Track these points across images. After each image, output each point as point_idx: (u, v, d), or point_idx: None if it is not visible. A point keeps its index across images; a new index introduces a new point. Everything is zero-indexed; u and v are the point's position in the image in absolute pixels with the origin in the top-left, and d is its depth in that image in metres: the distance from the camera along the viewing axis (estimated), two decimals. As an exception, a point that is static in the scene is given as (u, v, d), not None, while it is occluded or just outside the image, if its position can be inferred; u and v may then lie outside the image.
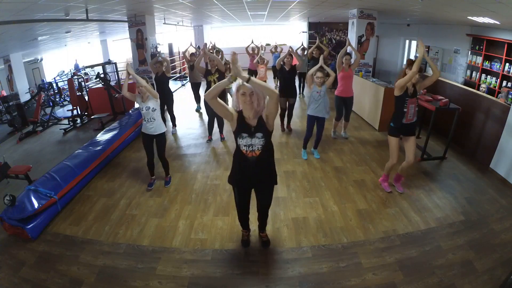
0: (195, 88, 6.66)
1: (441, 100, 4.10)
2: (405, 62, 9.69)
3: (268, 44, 9.66)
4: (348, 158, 4.37)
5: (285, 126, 5.38)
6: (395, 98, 3.17)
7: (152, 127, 3.40)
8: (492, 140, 3.95)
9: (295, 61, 5.21)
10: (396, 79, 3.14)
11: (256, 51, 7.87)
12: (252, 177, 2.22)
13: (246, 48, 8.08)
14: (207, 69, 4.66)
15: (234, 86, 2.00)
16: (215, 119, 4.92)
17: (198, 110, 6.86)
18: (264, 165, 2.18)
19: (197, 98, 6.82)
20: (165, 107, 5.29)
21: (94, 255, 2.65)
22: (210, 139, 5.04)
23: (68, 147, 5.23)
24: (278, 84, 8.42)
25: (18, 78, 8.54)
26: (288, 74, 4.85)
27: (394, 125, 3.23)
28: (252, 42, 8.54)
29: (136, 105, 6.62)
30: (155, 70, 5.10)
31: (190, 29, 12.43)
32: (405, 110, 3.10)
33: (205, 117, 6.45)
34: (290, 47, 5.37)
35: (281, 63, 4.86)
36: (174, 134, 5.50)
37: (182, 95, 8.80)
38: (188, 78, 7.21)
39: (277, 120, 5.19)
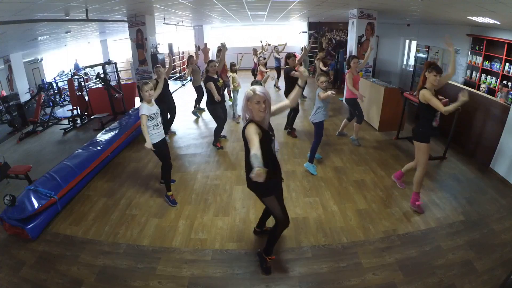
0: (200, 91, 6.56)
1: (441, 100, 4.08)
2: (405, 62, 9.75)
3: (269, 44, 9.68)
4: (348, 158, 4.37)
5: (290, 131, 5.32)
6: (423, 105, 2.93)
7: (162, 129, 3.26)
8: (492, 140, 3.95)
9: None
10: (419, 86, 2.97)
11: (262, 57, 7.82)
12: (279, 171, 2.27)
13: (257, 55, 7.97)
14: (212, 76, 4.53)
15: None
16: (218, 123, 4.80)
17: (196, 114, 6.66)
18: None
19: (199, 101, 6.71)
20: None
21: (94, 255, 2.65)
22: (221, 147, 4.84)
23: (68, 147, 5.23)
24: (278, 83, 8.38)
25: (18, 78, 8.55)
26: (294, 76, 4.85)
27: (424, 130, 3.01)
28: (262, 47, 8.60)
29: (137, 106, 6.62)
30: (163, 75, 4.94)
31: (190, 29, 12.43)
32: (435, 113, 2.93)
33: (206, 118, 6.47)
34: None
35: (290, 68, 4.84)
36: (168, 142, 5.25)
37: (182, 95, 8.80)
38: (190, 81, 7.13)
39: (282, 120, 5.25)
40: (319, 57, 6.87)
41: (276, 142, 2.17)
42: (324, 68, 6.12)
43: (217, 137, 4.89)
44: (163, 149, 3.29)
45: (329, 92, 3.69)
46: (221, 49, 7.22)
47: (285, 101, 2.25)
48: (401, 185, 3.56)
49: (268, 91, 2.02)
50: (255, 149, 1.74)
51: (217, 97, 4.42)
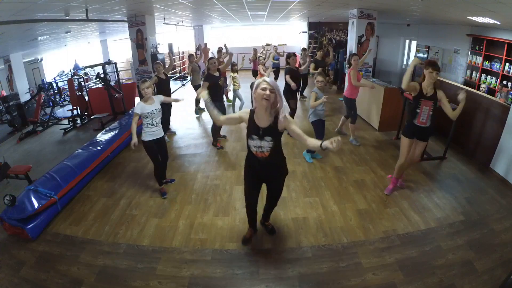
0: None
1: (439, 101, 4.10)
2: (405, 62, 9.75)
3: (268, 44, 9.70)
4: (348, 158, 4.37)
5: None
6: (412, 98, 3.11)
7: (157, 129, 3.30)
8: (492, 140, 3.95)
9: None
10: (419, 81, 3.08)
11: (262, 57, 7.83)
12: (262, 174, 2.31)
13: (257, 57, 7.99)
14: (213, 74, 4.50)
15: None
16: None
17: (197, 113, 6.72)
18: (273, 164, 2.25)
19: (199, 100, 6.75)
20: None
21: (94, 255, 2.65)
22: (221, 147, 4.83)
23: (68, 147, 5.23)
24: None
25: (18, 78, 8.54)
26: (296, 74, 4.82)
27: (407, 124, 3.20)
28: (263, 49, 8.64)
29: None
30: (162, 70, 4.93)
31: (190, 29, 12.43)
32: (418, 110, 3.02)
33: (206, 118, 6.47)
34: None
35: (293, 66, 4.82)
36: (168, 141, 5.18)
37: (182, 95, 8.80)
38: (190, 81, 7.18)
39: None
40: (319, 56, 6.81)
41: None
42: (313, 71, 6.09)
43: (215, 136, 4.89)
44: (153, 149, 3.33)
45: (322, 99, 3.74)
46: (221, 50, 7.25)
47: (308, 139, 2.01)
48: (401, 184, 3.56)
49: (278, 86, 2.03)
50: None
51: (201, 94, 4.44)
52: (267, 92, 1.95)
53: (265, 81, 1.97)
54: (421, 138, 3.18)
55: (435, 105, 3.02)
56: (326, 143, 1.82)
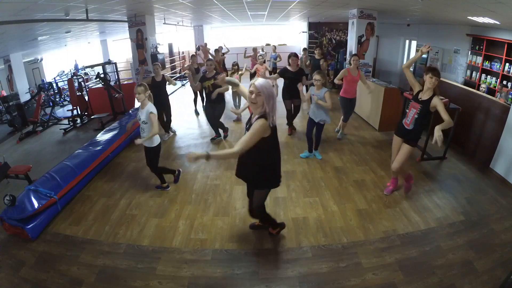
0: (195, 92, 6.67)
1: (441, 100, 4.09)
2: (405, 62, 9.74)
3: (268, 44, 9.70)
4: (348, 158, 4.37)
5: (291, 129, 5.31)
6: None
7: (143, 137, 3.29)
8: (492, 140, 3.95)
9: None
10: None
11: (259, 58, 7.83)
12: (239, 165, 2.35)
13: (255, 57, 7.96)
14: (203, 75, 4.67)
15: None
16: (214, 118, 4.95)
17: (197, 112, 6.83)
18: (247, 159, 2.22)
19: (196, 101, 6.83)
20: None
21: (94, 255, 2.65)
22: (215, 137, 5.09)
23: (68, 147, 5.23)
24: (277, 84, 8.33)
25: (18, 78, 8.54)
26: (293, 75, 4.72)
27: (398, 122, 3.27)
28: (262, 50, 8.63)
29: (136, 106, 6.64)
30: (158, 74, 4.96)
31: (190, 29, 12.43)
32: (406, 110, 3.11)
33: (205, 118, 6.47)
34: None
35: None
36: (166, 140, 5.19)
37: (182, 95, 8.80)
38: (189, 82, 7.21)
39: (282, 120, 5.22)
40: (317, 55, 6.72)
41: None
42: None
43: (217, 129, 5.07)
44: (145, 152, 3.46)
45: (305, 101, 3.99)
46: (218, 50, 7.26)
47: (232, 149, 1.96)
48: (408, 187, 3.50)
49: (272, 88, 2.03)
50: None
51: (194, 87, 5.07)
52: (252, 95, 1.99)
53: (254, 84, 2.00)
54: (406, 140, 3.13)
55: (424, 110, 2.93)
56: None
